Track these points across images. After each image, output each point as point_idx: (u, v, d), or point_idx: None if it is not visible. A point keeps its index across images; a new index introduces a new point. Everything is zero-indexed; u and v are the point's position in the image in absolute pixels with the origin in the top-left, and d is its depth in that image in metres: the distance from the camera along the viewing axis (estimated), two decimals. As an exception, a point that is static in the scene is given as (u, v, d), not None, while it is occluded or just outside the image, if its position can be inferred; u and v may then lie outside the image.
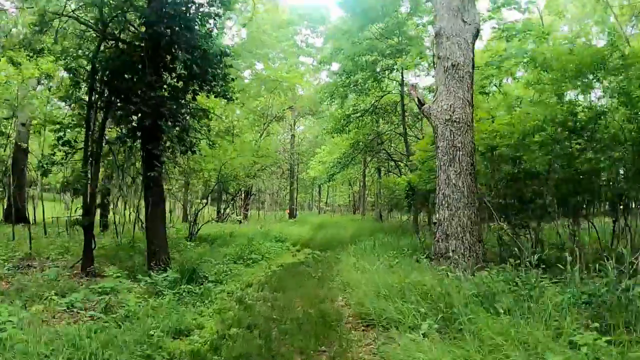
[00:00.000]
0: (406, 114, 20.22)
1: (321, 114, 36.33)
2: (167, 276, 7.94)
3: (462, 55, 8.29)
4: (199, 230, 16.67)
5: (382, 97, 20.76)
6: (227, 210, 33.00)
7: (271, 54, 31.52)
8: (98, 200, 13.85)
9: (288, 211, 39.11)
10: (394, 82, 20.82)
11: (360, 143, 20.98)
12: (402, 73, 19.82)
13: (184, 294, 7.31)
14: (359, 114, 20.59)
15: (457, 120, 8.02)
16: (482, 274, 6.47)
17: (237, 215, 27.26)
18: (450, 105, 8.10)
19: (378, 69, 19.77)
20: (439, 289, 5.58)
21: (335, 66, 21.78)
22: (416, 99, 9.10)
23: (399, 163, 25.12)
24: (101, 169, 13.58)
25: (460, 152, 7.91)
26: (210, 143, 12.54)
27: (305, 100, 37.76)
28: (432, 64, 19.78)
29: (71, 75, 10.66)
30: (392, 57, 19.33)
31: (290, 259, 13.50)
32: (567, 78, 8.44)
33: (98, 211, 19.25)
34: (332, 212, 53.59)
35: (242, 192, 32.58)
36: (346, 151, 21.03)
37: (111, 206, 18.05)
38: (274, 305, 7.26)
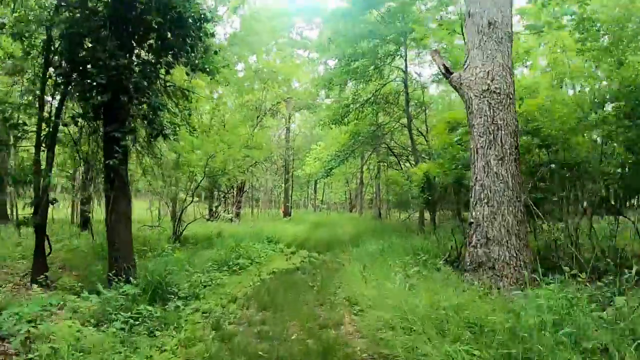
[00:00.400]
0: (410, 103, 18.43)
1: (317, 107, 34.65)
2: (125, 292, 6.12)
3: (500, 12, 6.51)
4: (183, 230, 14.87)
5: (385, 85, 18.96)
6: (219, 209, 31.30)
7: (266, 45, 29.75)
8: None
9: (283, 209, 37.25)
10: (397, 69, 19.04)
11: (361, 135, 19.13)
12: (405, 59, 18.05)
13: (141, 318, 5.47)
14: (358, 105, 18.78)
15: (497, 90, 6.24)
16: (537, 291, 4.71)
17: (228, 214, 25.37)
18: (488, 73, 6.31)
19: (379, 55, 17.99)
20: (505, 322, 3.76)
21: (331, 63, 20.07)
22: (441, 66, 7.28)
23: (403, 157, 23.35)
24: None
25: (503, 132, 6.12)
26: (191, 130, 10.69)
27: (301, 94, 36.04)
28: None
29: (23, 44, 8.80)
30: (395, 42, 17.57)
31: (284, 263, 11.68)
32: None
33: (78, 208, 17.55)
34: (328, 210, 51.80)
35: (235, 189, 30.77)
36: (345, 143, 19.18)
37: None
38: (261, 332, 5.46)
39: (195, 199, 37.73)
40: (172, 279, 7.13)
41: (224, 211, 30.20)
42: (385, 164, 29.54)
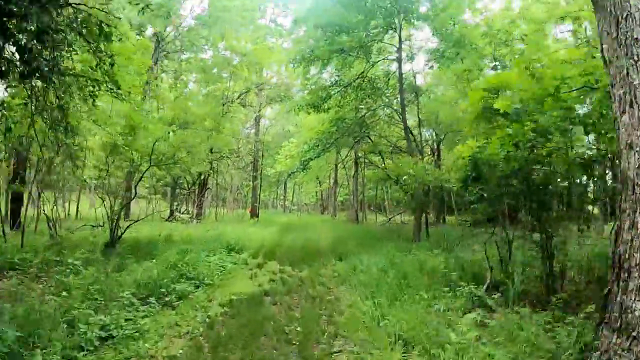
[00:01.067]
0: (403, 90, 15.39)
1: (291, 99, 31.38)
2: None
3: None
4: (123, 233, 11.35)
5: (373, 65, 15.85)
6: (180, 208, 27.41)
7: (236, 25, 26.24)
8: None
9: (250, 210, 33.62)
10: (389, 47, 15.97)
11: (346, 121, 15.89)
12: (399, 33, 14.97)
13: None
14: (340, 88, 15.60)
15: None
16: None
17: (186, 214, 21.79)
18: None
19: (371, 30, 14.90)
20: None
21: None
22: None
23: (387, 153, 20.34)
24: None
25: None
26: (112, 89, 7.20)
27: (274, 85, 32.71)
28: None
29: None
30: (387, 14, 14.50)
31: (247, 285, 8.29)
32: None
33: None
34: (298, 212, 48.43)
35: (197, 187, 27.05)
36: (326, 131, 15.90)
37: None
38: None
39: (157, 196, 33.83)
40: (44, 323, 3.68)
41: (184, 211, 26.43)
42: (366, 161, 26.52)
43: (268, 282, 8.54)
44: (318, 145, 14.99)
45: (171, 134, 13.07)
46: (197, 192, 26.57)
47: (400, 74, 14.81)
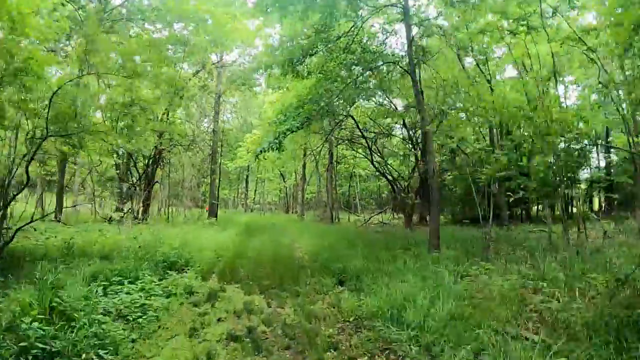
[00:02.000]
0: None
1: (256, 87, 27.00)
2: None
3: None
4: (10, 241, 7.07)
5: (369, 17, 11.83)
6: (121, 207, 22.26)
7: None
8: None
9: (207, 207, 28.84)
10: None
11: (337, 81, 11.61)
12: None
13: None
14: (327, 44, 11.47)
15: None
16: None
17: (117, 215, 17.15)
18: None
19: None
20: None
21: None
22: None
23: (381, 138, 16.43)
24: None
25: None
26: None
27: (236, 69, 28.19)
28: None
29: None
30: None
31: (183, 357, 4.07)
32: None
33: None
34: (261, 211, 43.94)
35: (142, 181, 22.20)
36: (308, 94, 11.60)
37: None
38: None
39: (104, 193, 28.46)
40: None
41: (127, 211, 21.29)
42: (343, 148, 22.66)
43: (224, 343, 4.38)
44: (300, 114, 10.72)
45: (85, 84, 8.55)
46: (143, 187, 21.72)
47: (407, 24, 10.86)
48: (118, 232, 12.86)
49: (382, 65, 12.29)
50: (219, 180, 26.33)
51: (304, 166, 31.03)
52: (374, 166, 18.66)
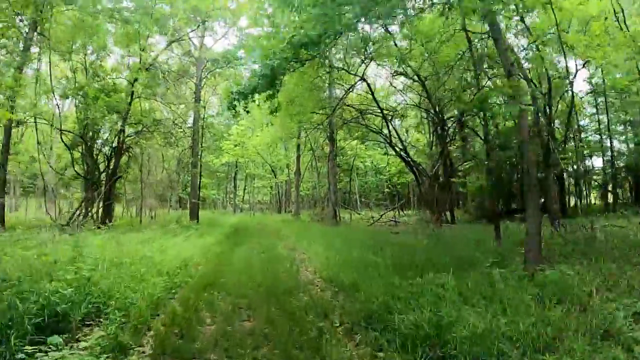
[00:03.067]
0: None
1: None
2: None
3: None
4: None
5: None
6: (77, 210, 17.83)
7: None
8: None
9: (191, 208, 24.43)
10: None
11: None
12: None
13: None
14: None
15: None
16: None
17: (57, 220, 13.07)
18: None
19: None
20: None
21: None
22: None
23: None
24: None
25: None
26: None
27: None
28: None
29: None
30: None
31: None
32: None
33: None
34: (251, 211, 39.74)
35: (101, 175, 17.94)
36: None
37: None
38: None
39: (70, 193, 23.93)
40: None
41: (87, 215, 16.82)
42: (348, 137, 18.77)
43: None
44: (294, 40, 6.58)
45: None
46: (105, 184, 17.41)
47: None
48: (52, 242, 8.72)
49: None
50: (200, 176, 22.09)
51: (298, 158, 26.93)
52: (395, 150, 14.63)
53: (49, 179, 19.89)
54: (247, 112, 8.63)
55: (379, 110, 14.48)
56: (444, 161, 13.38)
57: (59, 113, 16.13)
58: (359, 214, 27.99)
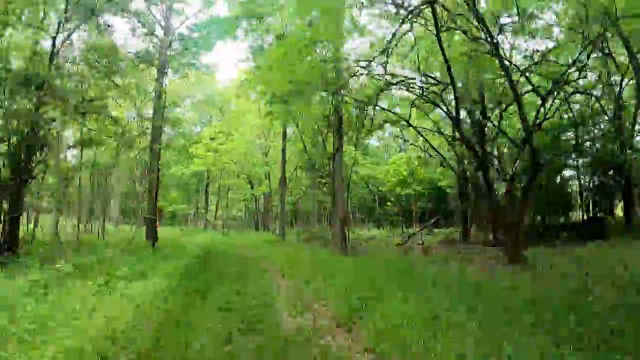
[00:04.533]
0: None
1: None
2: None
3: None
4: None
5: None
6: None
7: None
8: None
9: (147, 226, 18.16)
10: None
11: None
12: None
13: None
14: None
15: None
16: None
17: None
18: None
19: None
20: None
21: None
22: None
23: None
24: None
25: None
26: None
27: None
28: None
29: None
30: None
31: None
32: None
33: None
34: (225, 229, 33.84)
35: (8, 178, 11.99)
36: None
37: None
38: None
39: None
40: None
41: None
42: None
43: None
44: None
45: None
46: (13, 190, 11.59)
47: None
48: None
49: None
50: (157, 184, 16.31)
51: (283, 164, 21.54)
52: (444, 137, 9.50)
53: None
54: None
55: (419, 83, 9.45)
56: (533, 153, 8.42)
57: None
58: (359, 232, 22.99)
